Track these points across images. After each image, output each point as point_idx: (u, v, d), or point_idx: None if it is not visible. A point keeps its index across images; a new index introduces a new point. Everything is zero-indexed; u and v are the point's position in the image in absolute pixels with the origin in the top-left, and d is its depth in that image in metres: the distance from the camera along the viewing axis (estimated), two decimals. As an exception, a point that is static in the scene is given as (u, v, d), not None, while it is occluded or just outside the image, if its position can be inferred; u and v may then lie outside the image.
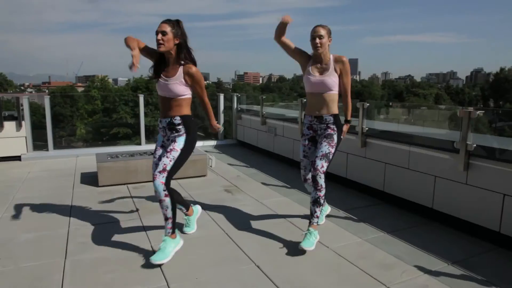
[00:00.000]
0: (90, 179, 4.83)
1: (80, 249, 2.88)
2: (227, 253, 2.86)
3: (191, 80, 2.72)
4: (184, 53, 2.71)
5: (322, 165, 2.93)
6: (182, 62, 2.71)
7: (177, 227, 2.92)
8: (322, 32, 2.95)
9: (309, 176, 3.14)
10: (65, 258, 2.74)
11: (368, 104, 4.29)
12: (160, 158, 2.78)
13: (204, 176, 5.07)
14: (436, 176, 3.46)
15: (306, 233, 2.93)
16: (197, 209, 3.34)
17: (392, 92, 67.01)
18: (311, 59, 3.09)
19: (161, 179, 2.61)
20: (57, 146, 6.73)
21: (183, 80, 2.70)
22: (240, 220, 3.52)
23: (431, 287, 2.42)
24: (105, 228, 3.29)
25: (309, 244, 2.86)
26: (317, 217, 2.98)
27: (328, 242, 3.04)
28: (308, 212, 3.66)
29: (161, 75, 2.73)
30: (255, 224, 3.43)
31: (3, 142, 5.91)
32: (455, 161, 3.25)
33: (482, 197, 3.09)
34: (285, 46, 3.10)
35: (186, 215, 3.19)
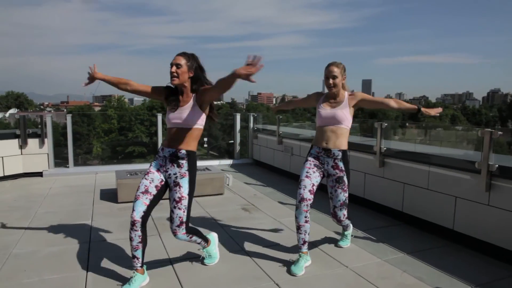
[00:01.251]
0: (109, 195, 4.91)
1: (102, 263, 2.92)
2: (246, 271, 2.86)
3: (204, 95, 2.55)
4: (198, 86, 2.59)
5: (343, 214, 3.12)
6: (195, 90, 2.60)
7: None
8: (336, 71, 2.92)
9: (307, 196, 2.98)
10: (87, 271, 2.78)
11: (386, 124, 4.30)
12: (145, 191, 2.55)
13: (221, 194, 5.11)
14: (457, 197, 3.43)
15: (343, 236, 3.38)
16: (213, 237, 3.04)
17: (406, 112, 66.64)
18: (324, 95, 3.10)
19: (182, 231, 2.61)
20: (75, 163, 6.87)
21: (197, 107, 2.57)
22: (258, 238, 3.52)
23: (455, 309, 2.37)
24: (125, 243, 3.33)
25: (346, 243, 3.34)
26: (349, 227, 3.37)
27: (347, 261, 3.02)
28: (324, 231, 3.68)
29: (173, 105, 2.61)
30: (273, 242, 3.43)
31: (26, 159, 6.08)
32: (476, 182, 3.22)
33: (505, 219, 3.04)
34: (299, 104, 3.43)
35: (204, 248, 2.94)
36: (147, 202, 2.55)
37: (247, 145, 8.03)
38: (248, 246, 3.32)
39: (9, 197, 4.89)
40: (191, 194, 2.61)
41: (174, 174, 2.57)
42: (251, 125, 7.97)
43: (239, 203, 4.76)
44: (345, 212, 3.10)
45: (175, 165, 2.57)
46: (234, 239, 3.48)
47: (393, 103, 3.02)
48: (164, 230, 3.69)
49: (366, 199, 4.56)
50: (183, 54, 2.56)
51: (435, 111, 2.93)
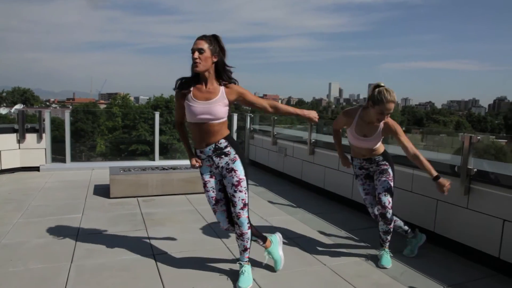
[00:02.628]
0: (102, 190, 5.01)
1: (86, 255, 3.00)
2: (226, 265, 2.93)
3: (237, 95, 2.49)
4: (222, 72, 2.46)
5: (388, 201, 3.02)
6: (224, 82, 2.48)
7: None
8: (392, 108, 2.79)
9: (377, 211, 3.10)
10: (71, 262, 2.87)
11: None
12: (217, 201, 2.64)
13: (212, 192, 5.17)
14: (438, 199, 3.48)
15: (382, 253, 3.07)
16: (276, 239, 2.94)
17: (411, 118, 66.45)
18: (357, 116, 2.99)
19: (245, 214, 2.56)
20: (76, 160, 6.97)
21: (226, 101, 2.44)
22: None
23: (424, 307, 2.43)
24: (112, 237, 3.42)
25: (388, 261, 3.03)
26: (388, 241, 3.11)
27: (326, 260, 3.08)
28: (309, 230, 3.74)
29: (194, 98, 2.43)
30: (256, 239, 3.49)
31: (24, 153, 6.19)
32: (456, 185, 3.27)
33: (482, 222, 3.09)
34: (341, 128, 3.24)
35: (265, 248, 2.85)
36: (224, 208, 2.66)
37: (244, 145, 8.11)
38: (231, 242, 3.39)
39: (4, 190, 5.00)
40: (247, 175, 2.57)
41: (226, 163, 2.53)
42: (248, 125, 8.04)
43: (229, 201, 4.83)
44: (390, 200, 3.02)
45: (223, 155, 2.53)
46: (218, 235, 3.55)
47: (418, 161, 2.90)
48: (152, 225, 3.78)
49: (353, 201, 4.62)
50: (204, 37, 2.39)
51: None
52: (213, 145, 2.49)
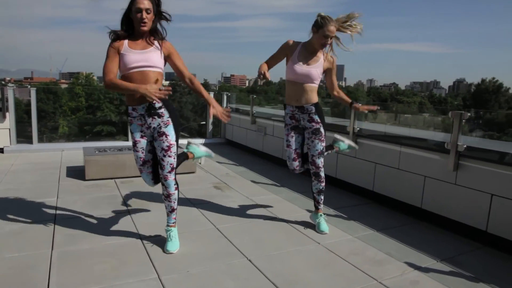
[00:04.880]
0: (76, 172, 4.74)
1: (68, 241, 2.81)
2: (218, 247, 2.83)
3: (169, 52, 2.56)
4: (156, 29, 2.54)
5: (321, 162, 3.16)
6: (158, 35, 2.54)
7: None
8: (335, 32, 2.91)
9: (294, 165, 3.23)
10: (52, 249, 2.67)
11: (360, 104, 4.31)
12: (144, 162, 2.69)
13: (193, 172, 5.03)
14: (426, 176, 3.51)
15: (320, 219, 3.19)
16: (193, 147, 3.29)
17: (376, 99, 67.90)
18: (300, 45, 3.04)
19: (172, 176, 2.65)
20: (39, 141, 6.58)
21: (161, 53, 2.52)
22: (231, 216, 3.49)
23: (421, 282, 2.44)
24: (93, 221, 3.23)
25: (325, 226, 3.16)
26: (321, 203, 3.25)
27: (319, 238, 3.04)
28: (297, 209, 3.70)
29: (130, 48, 2.48)
30: (246, 220, 3.41)
31: (-15, 134, 5.75)
32: (445, 162, 3.30)
33: (470, 197, 3.14)
34: (276, 62, 3.12)
35: (191, 158, 3.22)
36: (151, 170, 2.73)
37: (220, 125, 7.94)
38: (221, 223, 3.29)
39: (-33, 174, 4.63)
40: (177, 140, 2.64)
41: (158, 125, 2.57)
42: (225, 104, 7.87)
43: (211, 181, 4.71)
44: (323, 160, 3.16)
45: (156, 116, 2.55)
46: (206, 217, 3.43)
47: (340, 94, 3.27)
48: (134, 207, 3.60)
49: (338, 179, 4.60)
50: None
51: (365, 107, 3.29)
52: (147, 104, 2.51)
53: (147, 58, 2.47)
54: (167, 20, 2.57)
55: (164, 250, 2.67)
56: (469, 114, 3.16)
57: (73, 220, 3.22)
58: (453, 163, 3.21)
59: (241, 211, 3.62)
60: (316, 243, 2.96)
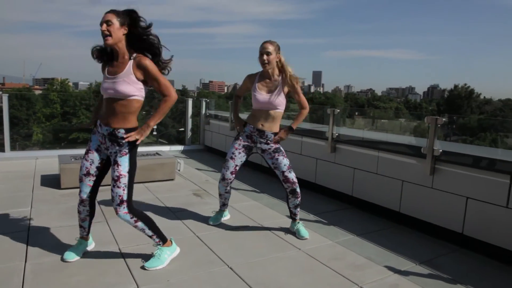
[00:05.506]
0: (51, 181, 4.60)
1: (42, 252, 2.71)
2: (199, 255, 2.79)
3: (144, 75, 2.36)
4: (139, 45, 2.38)
5: (294, 176, 3.16)
6: (134, 55, 2.37)
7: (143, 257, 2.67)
8: (270, 48, 2.99)
9: (229, 177, 3.28)
10: (25, 261, 2.57)
11: (338, 110, 4.38)
12: (87, 173, 2.51)
13: (172, 180, 4.97)
14: (404, 180, 3.57)
15: (298, 226, 3.24)
16: (175, 246, 2.72)
17: (354, 104, 69.09)
18: (258, 75, 3.16)
19: (123, 210, 2.43)
20: (12, 149, 6.37)
21: (132, 77, 2.33)
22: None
23: (401, 285, 2.48)
24: (69, 231, 3.13)
25: (305, 232, 3.20)
26: (298, 214, 3.28)
27: (300, 244, 3.05)
28: (277, 216, 3.70)
29: (107, 74, 2.39)
30: (226, 227, 3.38)
31: (-46, 142, 5.53)
32: (422, 166, 3.37)
33: (446, 200, 3.21)
34: (245, 93, 3.39)
35: (158, 245, 2.64)
36: (91, 184, 2.55)
37: (199, 131, 7.89)
38: (201, 231, 3.25)
39: None
40: (131, 172, 2.46)
41: (115, 152, 2.44)
42: (203, 111, 7.82)
43: (191, 188, 4.66)
44: (294, 174, 3.15)
45: (115, 144, 2.42)
46: (186, 225, 3.39)
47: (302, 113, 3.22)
48: (112, 216, 3.50)
49: (317, 184, 4.63)
50: (112, 11, 2.33)
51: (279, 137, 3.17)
52: (111, 130, 2.40)
53: (113, 86, 2.35)
54: (141, 34, 2.37)
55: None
56: (444, 119, 3.24)
57: (48, 231, 3.12)
58: (429, 167, 3.28)
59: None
60: (297, 249, 2.96)
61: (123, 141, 2.40)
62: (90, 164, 2.51)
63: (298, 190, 3.17)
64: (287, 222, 3.53)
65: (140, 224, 2.51)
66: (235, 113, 3.45)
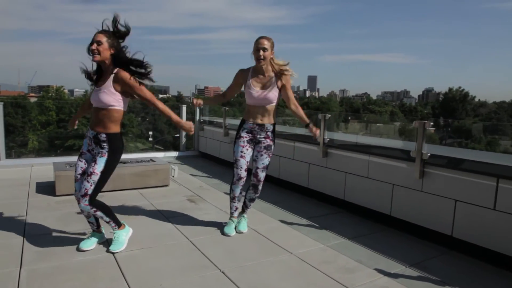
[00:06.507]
0: (46, 188, 4.63)
1: (37, 258, 2.75)
2: (191, 260, 2.83)
3: (123, 86, 2.68)
4: (123, 64, 2.69)
5: (263, 176, 3.32)
6: (115, 70, 2.68)
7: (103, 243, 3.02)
8: (267, 44, 3.01)
9: (244, 175, 3.31)
10: (20, 267, 2.60)
11: (329, 116, 4.44)
12: (83, 173, 2.78)
13: (166, 186, 5.01)
14: (394, 184, 3.63)
15: (242, 219, 3.45)
16: (128, 228, 3.04)
17: (349, 108, 69.34)
18: (251, 70, 3.18)
19: (85, 202, 2.68)
20: (7, 157, 6.39)
21: (111, 89, 2.66)
22: (204, 228, 3.50)
23: (391, 288, 2.52)
24: (63, 237, 3.17)
25: (245, 227, 3.41)
26: (250, 208, 3.51)
27: (292, 248, 3.09)
28: (270, 220, 3.73)
29: (96, 86, 2.76)
30: (218, 232, 3.42)
31: (-51, 150, 5.54)
32: (411, 170, 3.43)
33: (436, 203, 3.27)
34: (234, 93, 3.38)
35: (114, 229, 2.94)
36: None
37: (193, 137, 7.93)
38: (194, 236, 3.29)
39: None
40: (104, 174, 2.72)
41: (98, 152, 2.74)
42: (197, 117, 7.87)
43: (185, 194, 4.70)
44: (264, 174, 3.31)
45: (98, 146, 2.73)
46: (180, 230, 3.42)
47: (298, 110, 3.30)
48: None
49: (310, 189, 4.69)
50: (104, 31, 2.66)
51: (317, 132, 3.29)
52: (95, 133, 2.72)
53: (97, 97, 2.70)
54: (126, 60, 2.71)
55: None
56: (431, 123, 3.30)
57: (43, 237, 3.15)
58: (418, 171, 3.34)
59: (214, 224, 3.63)
60: (288, 253, 3.00)
61: (105, 144, 2.71)
62: (84, 164, 2.81)
63: (260, 188, 3.34)
64: (279, 226, 3.58)
65: (99, 213, 2.79)
66: (210, 99, 3.93)
